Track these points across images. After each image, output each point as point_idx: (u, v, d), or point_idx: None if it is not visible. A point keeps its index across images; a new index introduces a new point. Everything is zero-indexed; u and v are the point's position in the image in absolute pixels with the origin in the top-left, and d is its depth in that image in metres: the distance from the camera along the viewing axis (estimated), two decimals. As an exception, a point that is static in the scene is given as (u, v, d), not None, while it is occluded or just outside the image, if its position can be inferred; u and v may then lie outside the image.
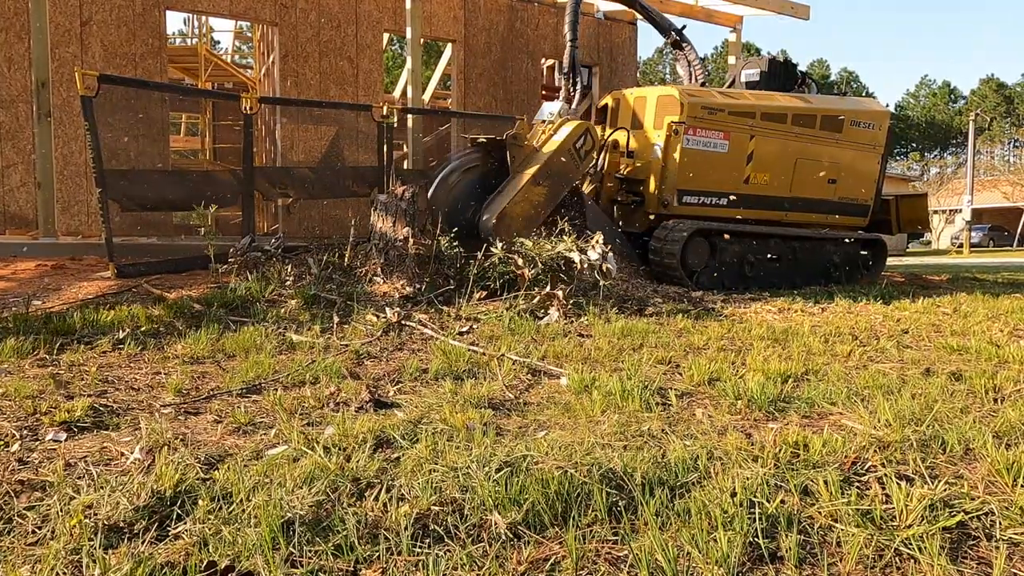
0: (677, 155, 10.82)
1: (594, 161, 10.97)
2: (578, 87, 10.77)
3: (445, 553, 2.57)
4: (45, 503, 2.90)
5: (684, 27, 13.17)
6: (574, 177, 10.05)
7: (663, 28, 13.16)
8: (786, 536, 2.65)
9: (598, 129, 12.24)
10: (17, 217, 12.35)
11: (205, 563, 2.47)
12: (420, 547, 2.60)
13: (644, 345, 6.27)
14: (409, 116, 13.50)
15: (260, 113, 15.86)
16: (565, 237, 8.62)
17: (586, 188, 11.49)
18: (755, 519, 2.73)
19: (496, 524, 2.73)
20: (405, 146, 14.80)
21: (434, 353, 5.81)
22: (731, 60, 19.12)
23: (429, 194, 9.17)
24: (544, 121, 10.30)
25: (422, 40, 14.72)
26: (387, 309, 7.26)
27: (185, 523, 2.73)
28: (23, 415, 4.05)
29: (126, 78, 11.92)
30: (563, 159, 9.77)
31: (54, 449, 3.56)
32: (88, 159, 9.99)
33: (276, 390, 4.69)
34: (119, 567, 2.43)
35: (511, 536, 2.68)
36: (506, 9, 16.83)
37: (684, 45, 13.03)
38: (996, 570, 2.50)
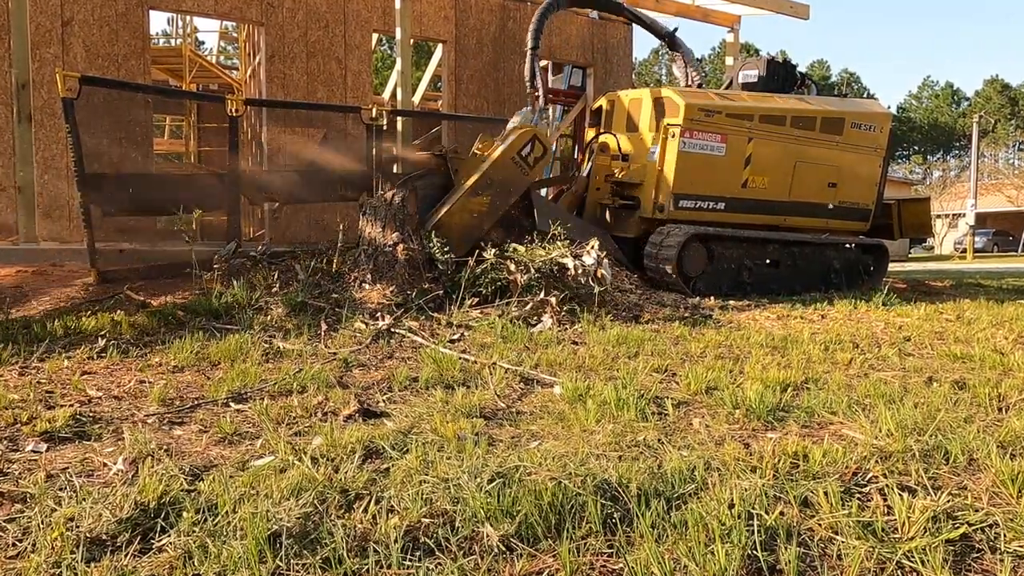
0: (673, 158, 10.85)
1: (552, 166, 11.07)
2: (540, 94, 10.81)
3: (436, 566, 2.57)
4: (26, 515, 2.90)
5: (676, 29, 13.21)
6: (520, 186, 10.05)
7: (657, 33, 13.22)
8: (785, 549, 2.65)
9: (591, 132, 12.31)
10: (-4, 222, 12.31)
11: (190, 577, 2.47)
12: (410, 560, 2.60)
13: (640, 353, 6.28)
14: (399, 118, 13.49)
15: (246, 115, 15.83)
16: (559, 243, 8.64)
17: (570, 195, 11.63)
18: (753, 531, 2.73)
19: (488, 536, 2.74)
20: (395, 149, 14.80)
21: (424, 361, 5.81)
22: (729, 61, 19.17)
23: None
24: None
25: (412, 41, 14.74)
26: (376, 316, 7.27)
27: (169, 536, 2.73)
28: (3, 425, 4.04)
29: (108, 79, 11.91)
30: (506, 168, 9.81)
31: (35, 460, 3.56)
32: (70, 162, 9.96)
33: (262, 399, 4.68)
34: (101, 581, 2.44)
35: (503, 549, 2.68)
36: (498, 9, 16.86)
37: (678, 48, 13.09)
38: (999, 582, 2.51)
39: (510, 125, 10.41)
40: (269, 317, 7.27)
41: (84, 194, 8.99)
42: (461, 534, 2.76)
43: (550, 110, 10.75)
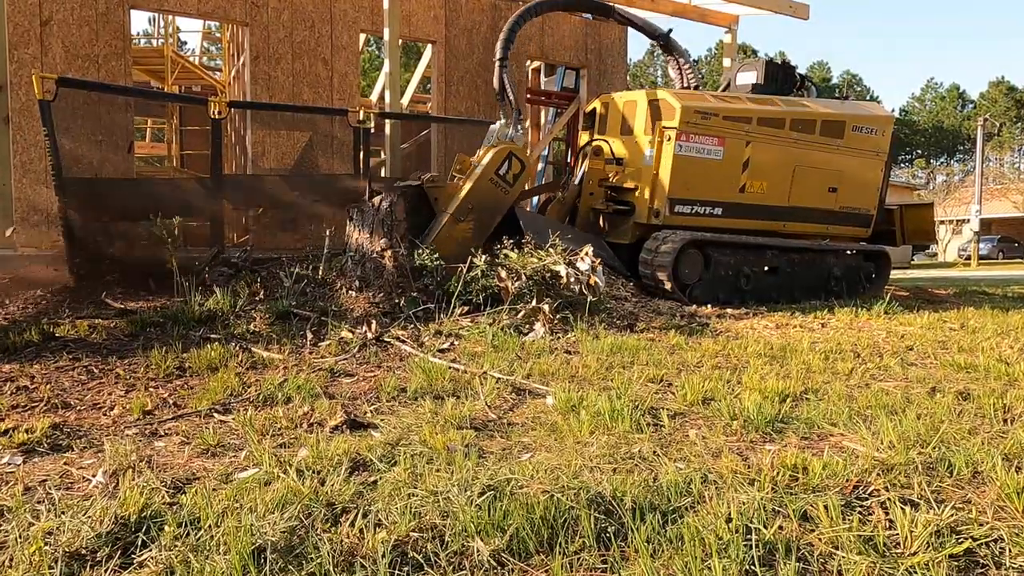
0: (669, 162, 10.87)
1: (527, 180, 11.06)
2: (512, 108, 10.79)
3: (425, 582, 2.57)
4: (3, 529, 2.89)
5: (670, 31, 13.22)
6: (503, 205, 10.13)
7: (650, 34, 13.24)
8: (784, 564, 2.66)
9: (585, 135, 12.35)
10: (-29, 227, 12.27)
11: (171, 593, 2.47)
12: (399, 576, 2.61)
13: (634, 362, 6.29)
14: (387, 121, 13.50)
15: (229, 118, 15.83)
16: (552, 250, 8.65)
17: (558, 202, 11.71)
18: (751, 546, 2.74)
19: (478, 551, 2.74)
20: (383, 153, 14.80)
21: (413, 371, 5.81)
22: (726, 62, 19.23)
23: None
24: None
25: (400, 41, 14.76)
26: (363, 325, 7.27)
27: (150, 550, 2.73)
28: (-23, 437, 4.03)
29: (87, 81, 11.91)
30: (485, 191, 9.90)
31: (12, 472, 3.55)
32: (48, 166, 9.95)
33: (246, 410, 4.68)
34: (80, 598, 2.43)
35: (494, 564, 2.69)
36: (489, 9, 16.90)
37: (672, 50, 13.11)
38: (1003, 597, 2.52)
39: (486, 141, 10.46)
40: (253, 325, 7.26)
41: (62, 199, 8.99)
42: (451, 549, 2.77)
43: (527, 121, 10.73)
